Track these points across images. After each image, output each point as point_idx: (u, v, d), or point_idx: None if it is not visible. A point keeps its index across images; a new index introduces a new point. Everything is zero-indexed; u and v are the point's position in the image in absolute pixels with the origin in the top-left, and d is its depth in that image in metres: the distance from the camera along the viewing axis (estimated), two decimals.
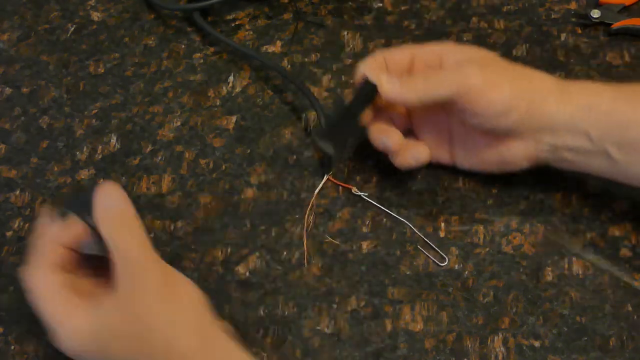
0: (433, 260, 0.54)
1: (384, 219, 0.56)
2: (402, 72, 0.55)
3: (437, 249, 0.54)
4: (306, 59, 0.66)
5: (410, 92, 0.52)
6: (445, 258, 0.54)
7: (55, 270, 0.45)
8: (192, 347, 0.43)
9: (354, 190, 0.57)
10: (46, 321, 0.44)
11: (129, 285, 0.43)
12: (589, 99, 0.51)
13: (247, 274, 0.54)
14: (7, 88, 0.66)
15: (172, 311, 0.44)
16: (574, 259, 0.54)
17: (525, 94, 0.51)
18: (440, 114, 0.55)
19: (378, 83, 0.53)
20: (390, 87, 0.52)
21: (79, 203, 0.44)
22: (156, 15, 0.70)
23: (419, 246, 0.54)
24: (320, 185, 0.58)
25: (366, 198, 0.57)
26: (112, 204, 0.45)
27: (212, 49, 0.67)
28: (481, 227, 0.56)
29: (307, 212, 0.57)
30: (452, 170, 0.58)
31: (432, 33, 0.67)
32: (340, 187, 0.58)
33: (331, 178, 0.58)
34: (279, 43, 0.67)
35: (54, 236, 0.45)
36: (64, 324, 0.43)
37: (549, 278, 0.53)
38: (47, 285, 0.44)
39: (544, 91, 0.51)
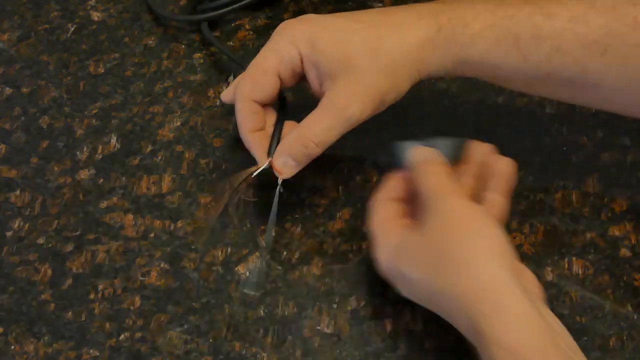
0: None
1: None
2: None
3: None
4: None
5: None
6: None
7: (394, 200, 0.51)
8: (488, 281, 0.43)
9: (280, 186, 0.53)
10: (374, 238, 0.50)
11: (437, 221, 0.46)
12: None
13: (247, 274, 0.54)
14: (7, 88, 0.66)
15: (476, 246, 0.44)
16: (574, 259, 0.54)
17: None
18: None
19: None
20: None
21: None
22: (156, 16, 0.70)
23: None
24: (260, 169, 0.53)
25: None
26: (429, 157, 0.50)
27: (212, 49, 0.67)
28: None
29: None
30: None
31: None
32: (341, 187, 0.58)
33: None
34: None
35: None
36: (382, 242, 0.49)
37: (549, 278, 0.53)
38: (384, 210, 0.50)
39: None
